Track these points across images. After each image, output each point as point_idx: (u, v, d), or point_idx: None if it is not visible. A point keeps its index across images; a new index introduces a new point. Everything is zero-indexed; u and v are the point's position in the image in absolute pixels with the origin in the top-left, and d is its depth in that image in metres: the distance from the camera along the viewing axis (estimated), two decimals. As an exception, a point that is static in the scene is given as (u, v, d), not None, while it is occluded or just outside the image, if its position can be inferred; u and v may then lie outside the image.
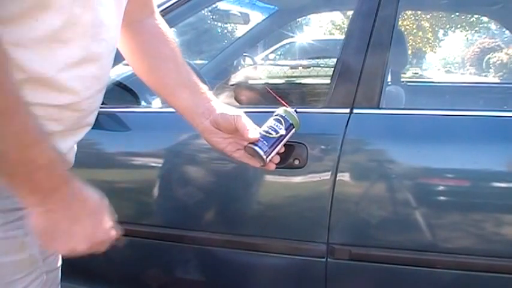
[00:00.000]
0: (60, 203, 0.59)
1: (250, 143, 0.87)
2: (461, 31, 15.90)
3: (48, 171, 0.57)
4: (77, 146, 0.82)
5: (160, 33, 0.92)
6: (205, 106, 0.89)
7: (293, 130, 0.92)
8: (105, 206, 0.65)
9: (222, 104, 0.91)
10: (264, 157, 0.87)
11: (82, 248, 0.62)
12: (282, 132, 0.90)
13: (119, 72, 1.72)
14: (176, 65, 0.91)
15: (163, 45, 0.91)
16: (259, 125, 0.92)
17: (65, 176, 0.60)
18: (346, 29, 1.67)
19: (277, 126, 0.90)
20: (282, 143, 0.90)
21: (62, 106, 0.66)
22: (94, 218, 0.63)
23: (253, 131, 0.87)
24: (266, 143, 0.88)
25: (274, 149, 0.89)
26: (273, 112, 0.95)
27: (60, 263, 0.86)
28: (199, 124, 0.90)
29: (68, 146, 0.75)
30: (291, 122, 0.92)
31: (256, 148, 0.87)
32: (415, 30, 13.98)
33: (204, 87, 0.92)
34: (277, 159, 0.91)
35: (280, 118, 0.92)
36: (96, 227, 0.63)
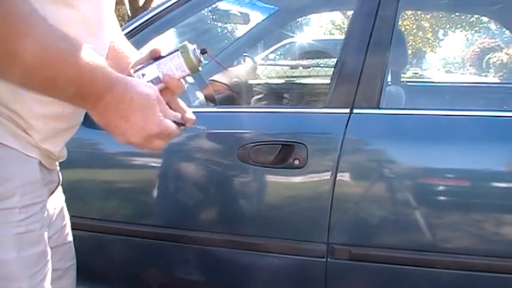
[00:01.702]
0: (108, 106, 0.64)
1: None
2: (461, 31, 15.90)
3: (92, 83, 0.63)
4: (78, 146, 0.84)
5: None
6: (125, 63, 0.83)
7: (177, 53, 0.75)
8: (152, 103, 0.68)
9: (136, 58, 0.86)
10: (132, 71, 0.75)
11: (136, 140, 0.68)
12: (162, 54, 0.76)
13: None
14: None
15: None
16: None
17: (108, 85, 0.64)
18: (346, 29, 1.67)
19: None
20: (156, 63, 0.74)
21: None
22: (142, 114, 0.66)
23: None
24: (142, 65, 0.76)
25: (143, 68, 0.75)
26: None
27: (71, 238, 0.89)
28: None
29: (65, 142, 0.79)
30: (179, 50, 0.75)
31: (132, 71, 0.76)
32: (415, 30, 13.98)
33: (129, 50, 0.88)
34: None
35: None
36: (144, 121, 0.67)
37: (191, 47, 0.75)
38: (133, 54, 0.87)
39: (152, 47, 0.77)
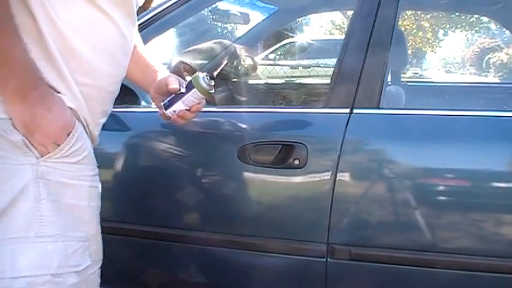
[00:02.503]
0: (38, 99, 0.77)
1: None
2: (461, 31, 15.88)
3: (28, 72, 0.76)
4: None
5: None
6: (152, 78, 1.07)
7: (194, 90, 0.99)
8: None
9: (162, 74, 1.08)
10: (162, 107, 1.02)
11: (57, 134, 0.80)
12: (182, 90, 1.00)
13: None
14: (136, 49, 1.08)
15: None
16: None
17: (40, 78, 0.77)
18: (346, 29, 1.67)
19: (182, 86, 1.01)
20: (181, 100, 1.01)
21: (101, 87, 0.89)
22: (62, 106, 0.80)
23: (174, 84, 1.01)
24: (169, 98, 1.02)
25: (173, 104, 1.01)
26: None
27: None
28: (149, 92, 1.09)
29: (100, 126, 0.94)
30: (193, 84, 0.99)
31: (161, 102, 1.03)
32: (415, 30, 13.97)
33: (155, 65, 1.09)
34: (187, 115, 1.03)
35: (188, 81, 1.01)
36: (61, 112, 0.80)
37: (201, 75, 0.99)
38: (159, 67, 1.09)
39: (171, 86, 1.00)
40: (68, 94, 0.82)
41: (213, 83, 1.00)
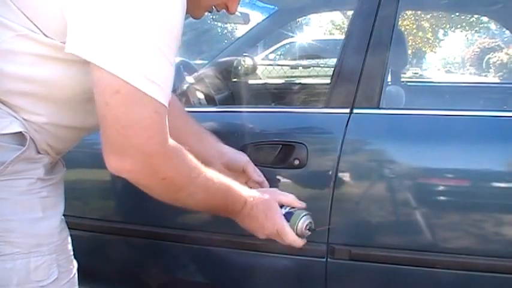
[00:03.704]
0: (244, 216, 0.92)
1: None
2: (461, 31, 15.90)
3: (236, 210, 0.91)
4: (78, 146, 0.93)
5: (175, 103, 1.07)
6: (214, 149, 1.10)
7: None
8: (271, 204, 0.93)
9: (226, 147, 1.12)
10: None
11: (260, 235, 0.94)
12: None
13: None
14: (183, 116, 1.10)
15: (179, 111, 1.09)
16: None
17: (241, 206, 0.90)
18: (346, 29, 1.67)
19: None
20: None
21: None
22: (263, 214, 0.92)
23: (258, 176, 1.10)
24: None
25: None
26: None
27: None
28: (213, 165, 0.99)
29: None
30: (291, 223, 0.93)
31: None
32: (415, 30, 13.97)
33: (206, 132, 1.12)
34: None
35: (286, 211, 0.95)
36: (264, 220, 0.92)
37: (303, 216, 0.94)
38: (214, 139, 1.12)
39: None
40: None
41: (308, 233, 0.94)
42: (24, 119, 0.78)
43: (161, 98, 0.70)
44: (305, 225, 0.93)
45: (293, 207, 0.95)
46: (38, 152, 0.81)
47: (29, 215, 0.79)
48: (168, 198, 0.85)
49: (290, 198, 0.97)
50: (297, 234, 0.93)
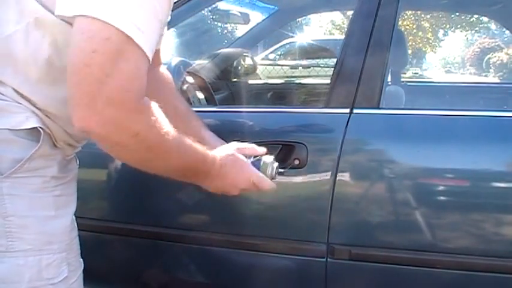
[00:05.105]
0: (214, 176, 0.91)
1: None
2: (461, 31, 15.90)
3: (206, 170, 0.90)
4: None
5: (166, 82, 1.12)
6: (198, 136, 1.06)
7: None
8: (240, 162, 0.95)
9: (210, 133, 1.14)
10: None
11: (234, 192, 0.96)
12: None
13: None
14: (175, 102, 1.11)
15: (168, 92, 1.12)
16: None
17: (212, 165, 0.89)
18: (346, 29, 1.67)
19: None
20: None
21: None
22: (234, 170, 0.93)
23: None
24: None
25: None
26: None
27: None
28: None
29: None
30: (261, 169, 0.99)
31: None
32: (415, 30, 13.98)
33: (195, 119, 1.14)
34: None
35: (255, 159, 1.01)
36: (236, 176, 0.94)
37: (269, 160, 1.00)
38: (201, 125, 1.15)
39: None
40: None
41: (280, 171, 1.03)
42: (39, 109, 0.79)
43: (147, 51, 0.70)
44: (275, 169, 1.00)
45: (256, 156, 1.00)
46: (54, 146, 0.83)
47: (43, 213, 0.80)
48: (138, 158, 0.80)
49: (252, 148, 1.01)
50: (271, 178, 0.99)
